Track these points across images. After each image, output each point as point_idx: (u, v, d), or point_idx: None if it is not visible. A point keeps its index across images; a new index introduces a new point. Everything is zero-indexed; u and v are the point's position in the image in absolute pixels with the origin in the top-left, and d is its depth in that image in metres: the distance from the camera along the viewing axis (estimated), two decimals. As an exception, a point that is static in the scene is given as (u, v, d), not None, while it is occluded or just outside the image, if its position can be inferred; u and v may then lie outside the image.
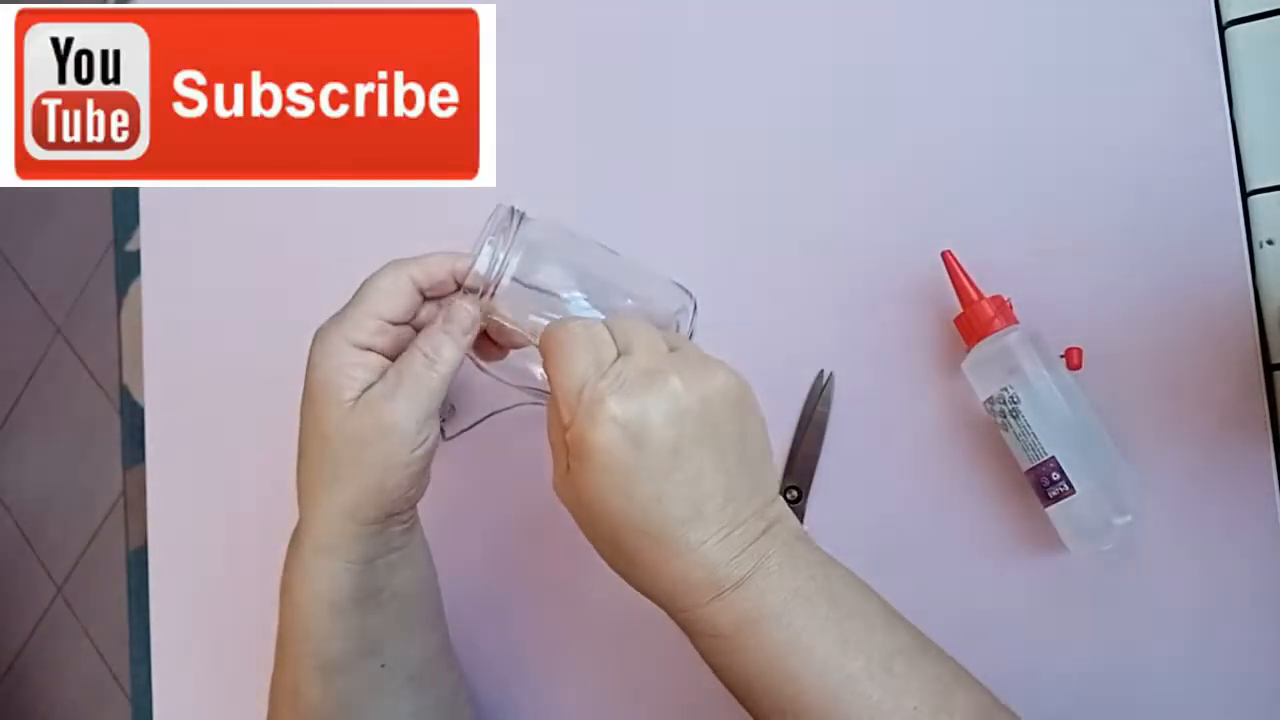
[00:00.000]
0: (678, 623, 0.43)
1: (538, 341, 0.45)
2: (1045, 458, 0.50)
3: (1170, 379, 0.53)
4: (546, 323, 0.49)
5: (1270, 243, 0.52)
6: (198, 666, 0.71)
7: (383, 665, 0.50)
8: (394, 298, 0.47)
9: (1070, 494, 0.50)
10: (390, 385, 0.45)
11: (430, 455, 0.47)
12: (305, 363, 0.48)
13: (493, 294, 0.48)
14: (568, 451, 0.42)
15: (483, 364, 0.52)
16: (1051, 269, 0.55)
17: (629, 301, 0.52)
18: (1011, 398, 0.51)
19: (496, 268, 0.48)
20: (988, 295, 0.53)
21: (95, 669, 1.77)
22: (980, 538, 0.55)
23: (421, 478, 0.48)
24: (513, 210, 0.50)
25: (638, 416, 0.40)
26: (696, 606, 0.41)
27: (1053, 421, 0.50)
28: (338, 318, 0.47)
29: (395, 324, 0.47)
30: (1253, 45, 0.53)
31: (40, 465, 1.91)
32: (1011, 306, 0.53)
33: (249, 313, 0.73)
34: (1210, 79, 0.54)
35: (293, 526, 0.53)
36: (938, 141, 0.58)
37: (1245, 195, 0.53)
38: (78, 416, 1.85)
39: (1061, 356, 0.52)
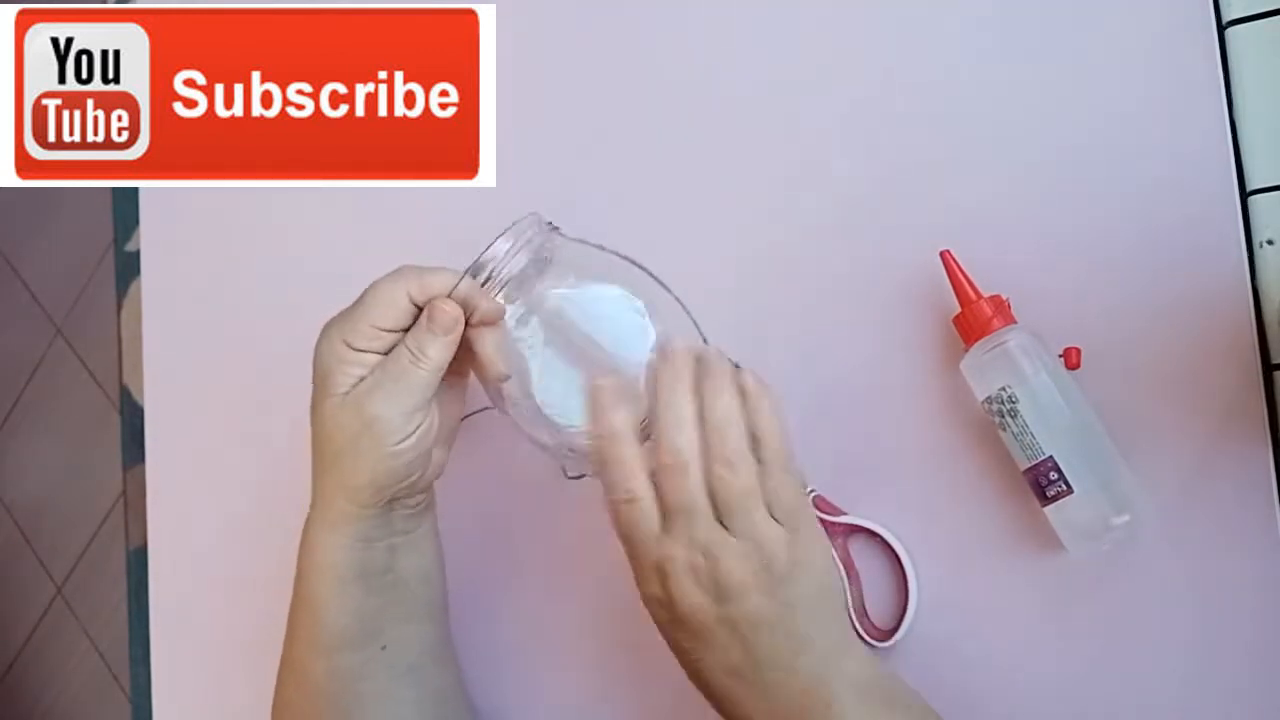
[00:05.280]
0: None
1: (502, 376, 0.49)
2: (1043, 457, 0.50)
3: (1170, 379, 0.53)
4: (530, 357, 0.50)
5: (1270, 243, 0.52)
6: (198, 666, 0.71)
7: (383, 648, 0.52)
8: (390, 310, 0.48)
9: (1068, 494, 0.50)
10: (374, 381, 0.47)
11: (422, 447, 0.49)
12: (310, 359, 0.50)
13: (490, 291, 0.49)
14: None
15: (502, 406, 0.52)
16: (1051, 268, 0.55)
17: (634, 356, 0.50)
18: (1010, 397, 0.51)
19: (497, 266, 0.49)
20: (986, 295, 0.53)
21: (95, 669, 1.77)
22: (980, 538, 0.55)
23: (417, 468, 0.49)
24: (540, 220, 0.50)
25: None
26: None
27: (1051, 421, 0.50)
28: (340, 318, 0.49)
29: (389, 331, 0.49)
30: (1253, 45, 0.53)
31: (40, 465, 1.91)
32: (1010, 306, 0.53)
33: (249, 313, 0.73)
34: (1210, 79, 0.54)
35: (292, 525, 0.53)
36: (936, 141, 0.58)
37: (1245, 195, 0.53)
38: (78, 417, 1.85)
39: (1060, 356, 0.52)
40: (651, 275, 0.52)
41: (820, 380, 0.59)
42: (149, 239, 0.76)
